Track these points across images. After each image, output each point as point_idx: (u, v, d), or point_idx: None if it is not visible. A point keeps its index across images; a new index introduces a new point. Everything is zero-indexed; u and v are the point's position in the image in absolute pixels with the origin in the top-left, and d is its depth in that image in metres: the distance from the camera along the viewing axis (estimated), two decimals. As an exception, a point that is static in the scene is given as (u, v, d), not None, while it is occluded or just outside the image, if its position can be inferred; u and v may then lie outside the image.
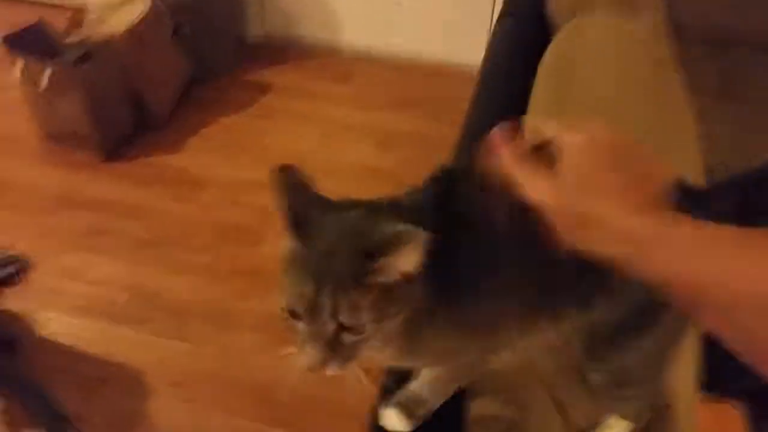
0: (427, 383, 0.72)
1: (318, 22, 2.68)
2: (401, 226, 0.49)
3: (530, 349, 0.73)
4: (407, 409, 0.72)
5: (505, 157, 0.52)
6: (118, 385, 1.54)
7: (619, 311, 0.60)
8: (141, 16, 2.17)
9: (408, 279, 0.49)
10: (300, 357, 0.52)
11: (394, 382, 0.77)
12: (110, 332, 1.65)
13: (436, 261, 0.49)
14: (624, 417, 0.70)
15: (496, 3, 2.29)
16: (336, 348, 0.51)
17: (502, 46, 1.45)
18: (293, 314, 0.52)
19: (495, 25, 1.49)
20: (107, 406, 1.50)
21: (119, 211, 1.98)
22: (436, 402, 0.72)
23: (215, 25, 2.51)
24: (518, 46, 1.44)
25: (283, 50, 2.70)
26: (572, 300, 0.59)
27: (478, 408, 0.76)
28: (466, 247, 0.54)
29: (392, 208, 0.55)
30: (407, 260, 0.48)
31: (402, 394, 0.74)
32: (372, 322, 0.50)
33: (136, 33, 2.16)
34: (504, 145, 0.53)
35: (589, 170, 0.48)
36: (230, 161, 2.18)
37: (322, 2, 2.63)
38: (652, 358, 0.65)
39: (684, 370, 0.81)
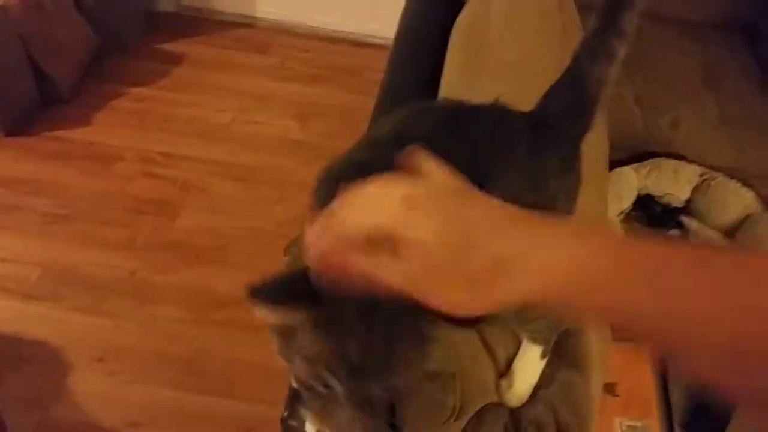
0: None
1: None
2: None
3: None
4: None
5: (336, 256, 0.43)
6: (36, 363, 1.49)
7: None
8: (37, -18, 2.06)
9: None
10: None
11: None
12: (24, 310, 1.59)
13: None
14: (534, 341, 0.77)
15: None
16: None
17: (414, 15, 1.49)
18: None
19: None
20: (25, 384, 1.45)
21: (25, 188, 1.89)
22: None
23: (119, -4, 2.41)
24: (431, 15, 1.49)
25: (196, 21, 2.63)
26: None
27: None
28: None
29: None
30: None
31: None
32: None
33: (34, 1, 2.04)
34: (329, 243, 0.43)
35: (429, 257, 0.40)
36: (141, 134, 2.12)
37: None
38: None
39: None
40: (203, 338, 1.58)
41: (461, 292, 0.40)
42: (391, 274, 0.41)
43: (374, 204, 0.42)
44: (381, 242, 0.40)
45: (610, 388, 1.14)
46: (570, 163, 0.70)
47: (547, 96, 0.71)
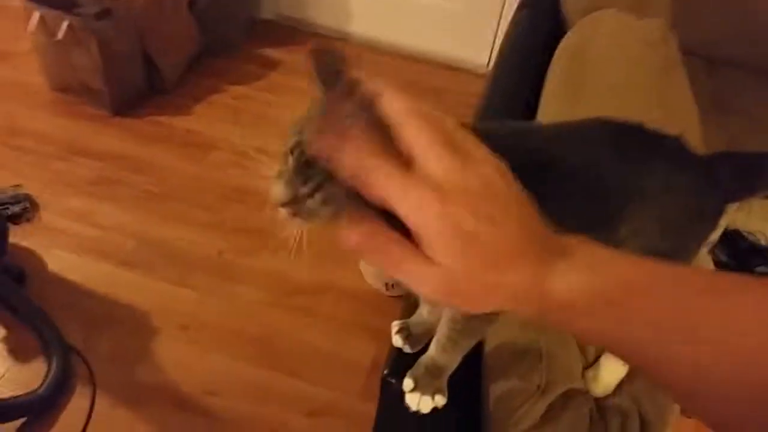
0: (440, 346, 0.71)
1: (329, 9, 2.77)
2: None
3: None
4: (427, 387, 0.73)
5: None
6: (124, 324, 1.59)
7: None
8: (159, -18, 2.23)
9: None
10: None
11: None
12: (117, 275, 1.70)
13: None
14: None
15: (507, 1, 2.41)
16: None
17: (517, 37, 1.56)
18: None
19: (513, 15, 1.60)
20: (113, 342, 1.55)
21: (126, 164, 2.04)
22: (454, 362, 0.73)
23: (229, 2, 2.58)
24: (533, 38, 1.55)
25: (293, 31, 2.78)
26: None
27: (494, 339, 0.85)
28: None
29: None
30: None
31: (419, 366, 0.74)
32: None
33: (155, -1, 2.22)
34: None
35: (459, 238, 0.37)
36: (236, 128, 2.25)
37: (334, -11, 2.73)
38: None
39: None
40: (278, 320, 1.65)
41: (463, 293, 0.39)
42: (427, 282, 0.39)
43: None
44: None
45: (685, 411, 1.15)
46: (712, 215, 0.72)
47: (724, 155, 0.72)
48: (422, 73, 2.67)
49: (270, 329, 1.62)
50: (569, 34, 1.40)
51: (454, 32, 2.63)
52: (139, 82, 2.30)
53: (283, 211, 0.44)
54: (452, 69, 2.66)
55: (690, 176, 0.67)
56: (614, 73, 1.22)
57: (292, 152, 0.45)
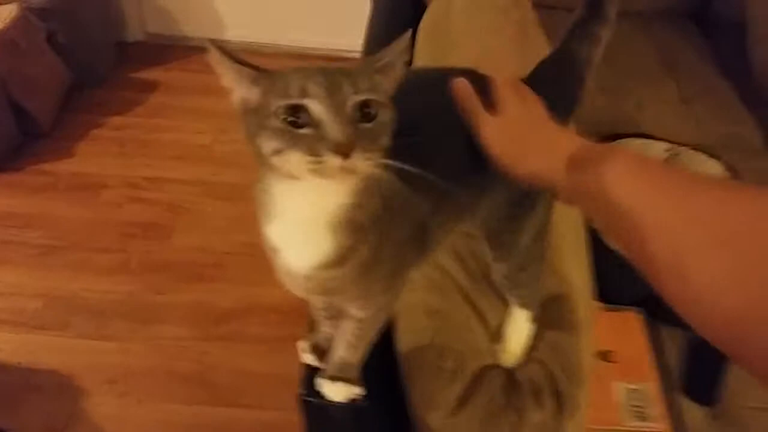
0: (346, 344, 0.73)
1: (199, 20, 2.69)
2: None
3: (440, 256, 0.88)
4: (342, 379, 0.75)
5: (464, 101, 0.66)
6: (48, 390, 1.53)
7: (510, 194, 0.72)
8: (9, 22, 2.10)
9: None
10: (319, 152, 0.48)
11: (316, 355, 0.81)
12: (29, 341, 1.62)
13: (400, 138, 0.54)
14: (523, 306, 0.85)
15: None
16: (358, 132, 0.49)
17: (380, 23, 1.57)
18: (294, 111, 0.50)
19: (372, 3, 1.60)
20: (40, 412, 1.49)
21: (15, 222, 1.93)
22: (363, 355, 0.75)
23: (91, 29, 2.46)
24: (396, 21, 1.56)
25: (167, 49, 2.68)
26: (480, 187, 0.71)
27: (404, 335, 0.87)
28: (424, 135, 0.60)
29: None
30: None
31: (330, 368, 0.76)
32: (384, 108, 0.52)
33: (7, 40, 2.09)
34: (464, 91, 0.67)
35: (515, 111, 0.66)
36: (124, 161, 2.17)
37: (202, 0, 2.65)
38: (535, 243, 0.79)
39: (576, 268, 0.97)
40: (207, 353, 1.63)
41: (513, 154, 0.64)
42: (488, 132, 0.65)
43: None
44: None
45: (605, 356, 1.21)
46: None
47: (536, 72, 0.77)
48: (306, 67, 2.64)
49: (201, 364, 1.60)
50: (426, 12, 1.42)
51: (329, 22, 2.62)
52: (10, 132, 2.17)
53: (337, 161, 0.48)
54: (334, 59, 2.65)
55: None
56: (473, 44, 1.24)
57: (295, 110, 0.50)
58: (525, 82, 0.73)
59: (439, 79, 0.71)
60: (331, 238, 0.56)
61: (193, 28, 2.71)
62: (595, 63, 0.76)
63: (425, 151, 0.58)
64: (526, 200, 0.75)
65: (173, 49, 2.67)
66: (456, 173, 0.66)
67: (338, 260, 0.57)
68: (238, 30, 2.70)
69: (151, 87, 2.48)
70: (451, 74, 0.70)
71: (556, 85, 0.75)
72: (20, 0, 2.17)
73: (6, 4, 2.15)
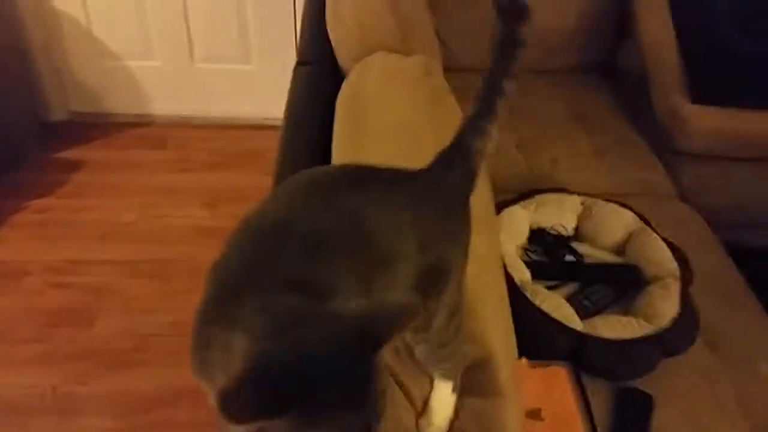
0: None
1: (124, 96, 2.67)
2: None
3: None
4: None
5: None
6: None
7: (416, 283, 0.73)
8: None
9: None
10: None
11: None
12: (-63, 449, 1.50)
13: None
14: (445, 377, 0.84)
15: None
16: None
17: (301, 93, 1.59)
18: None
19: (293, 75, 1.62)
20: None
21: (-73, 319, 1.81)
22: None
23: (10, 110, 2.40)
24: (316, 91, 1.59)
25: (91, 126, 2.63)
26: None
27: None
28: None
29: None
30: None
31: None
32: None
33: None
34: None
35: None
36: (46, 245, 2.09)
37: (125, 76, 2.63)
38: (450, 321, 0.80)
39: (497, 330, 0.97)
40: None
41: None
42: None
43: None
44: None
45: (534, 414, 1.21)
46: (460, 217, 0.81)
47: (436, 161, 0.81)
48: (236, 138, 2.64)
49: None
50: (344, 83, 1.45)
51: (255, 92, 2.64)
52: None
53: None
54: (265, 128, 2.65)
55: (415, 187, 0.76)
56: (388, 114, 1.27)
57: None
58: (429, 168, 0.79)
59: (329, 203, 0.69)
60: None
61: (117, 104, 2.69)
62: (487, 154, 0.83)
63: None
64: (432, 289, 0.75)
65: (97, 127, 2.63)
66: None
67: None
68: (163, 104, 2.69)
69: (74, 166, 2.42)
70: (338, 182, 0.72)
71: (455, 175, 0.80)
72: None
73: None
